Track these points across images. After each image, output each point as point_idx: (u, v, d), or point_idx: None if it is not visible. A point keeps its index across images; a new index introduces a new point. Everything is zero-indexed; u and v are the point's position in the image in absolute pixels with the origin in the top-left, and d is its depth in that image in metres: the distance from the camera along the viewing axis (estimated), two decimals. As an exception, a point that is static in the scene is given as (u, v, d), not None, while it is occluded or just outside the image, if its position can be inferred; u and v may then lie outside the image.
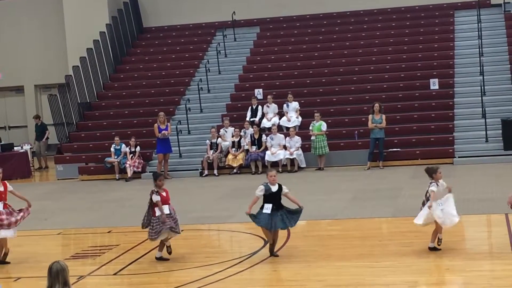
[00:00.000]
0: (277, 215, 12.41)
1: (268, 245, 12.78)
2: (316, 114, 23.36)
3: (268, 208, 12.43)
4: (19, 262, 13.41)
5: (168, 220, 12.58)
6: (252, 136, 23.60)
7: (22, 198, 13.52)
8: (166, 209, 12.68)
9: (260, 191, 12.51)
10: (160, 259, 12.85)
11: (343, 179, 21.09)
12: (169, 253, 12.94)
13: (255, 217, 12.48)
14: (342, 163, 23.20)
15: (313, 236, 14.36)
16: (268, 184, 12.52)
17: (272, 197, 12.49)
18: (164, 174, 22.43)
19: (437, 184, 12.09)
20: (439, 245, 12.20)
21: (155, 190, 12.69)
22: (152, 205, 12.71)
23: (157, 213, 12.62)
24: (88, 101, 28.06)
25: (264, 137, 23.53)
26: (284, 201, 12.67)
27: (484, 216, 14.95)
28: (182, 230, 13.04)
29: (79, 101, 27.65)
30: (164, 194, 12.72)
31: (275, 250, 12.70)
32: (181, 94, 27.47)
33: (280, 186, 12.55)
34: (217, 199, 19.15)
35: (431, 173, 12.21)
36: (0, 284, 11.79)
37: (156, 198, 12.63)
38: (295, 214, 12.63)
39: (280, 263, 12.29)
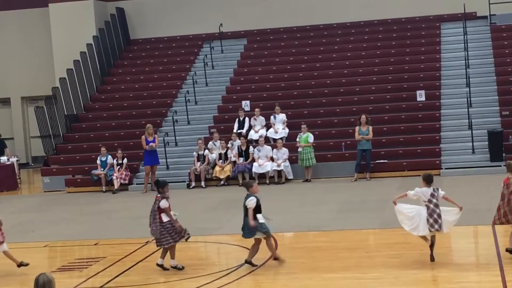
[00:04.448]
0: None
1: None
2: (303, 126, 23.39)
3: (260, 217, 12.47)
4: (5, 274, 13.32)
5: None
6: (239, 147, 23.60)
7: None
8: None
9: (253, 203, 12.50)
10: (175, 267, 12.85)
11: (330, 190, 21.11)
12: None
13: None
14: (329, 175, 23.24)
15: (300, 248, 14.35)
16: (255, 195, 12.56)
17: (259, 207, 12.57)
18: (152, 186, 22.58)
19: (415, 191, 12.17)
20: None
21: (165, 196, 12.73)
22: (159, 211, 12.70)
23: (164, 219, 12.64)
24: (75, 113, 28.00)
25: (251, 148, 23.54)
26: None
27: (471, 227, 14.96)
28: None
29: (66, 113, 27.59)
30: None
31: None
32: (168, 106, 27.45)
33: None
34: (204, 211, 19.11)
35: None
36: None
37: (164, 204, 12.66)
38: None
39: (267, 275, 12.27)
